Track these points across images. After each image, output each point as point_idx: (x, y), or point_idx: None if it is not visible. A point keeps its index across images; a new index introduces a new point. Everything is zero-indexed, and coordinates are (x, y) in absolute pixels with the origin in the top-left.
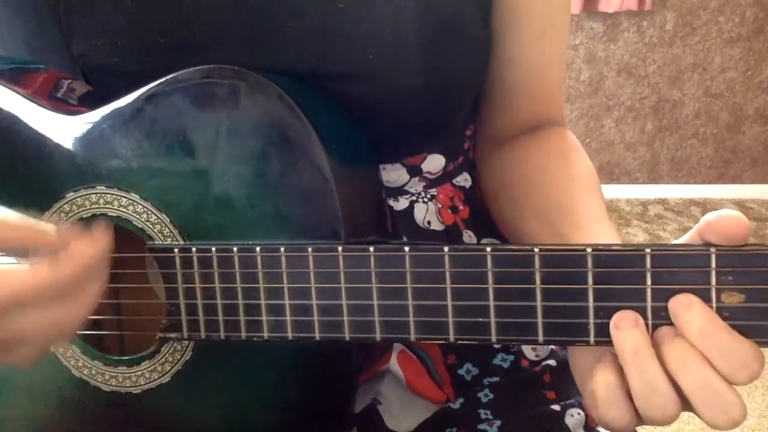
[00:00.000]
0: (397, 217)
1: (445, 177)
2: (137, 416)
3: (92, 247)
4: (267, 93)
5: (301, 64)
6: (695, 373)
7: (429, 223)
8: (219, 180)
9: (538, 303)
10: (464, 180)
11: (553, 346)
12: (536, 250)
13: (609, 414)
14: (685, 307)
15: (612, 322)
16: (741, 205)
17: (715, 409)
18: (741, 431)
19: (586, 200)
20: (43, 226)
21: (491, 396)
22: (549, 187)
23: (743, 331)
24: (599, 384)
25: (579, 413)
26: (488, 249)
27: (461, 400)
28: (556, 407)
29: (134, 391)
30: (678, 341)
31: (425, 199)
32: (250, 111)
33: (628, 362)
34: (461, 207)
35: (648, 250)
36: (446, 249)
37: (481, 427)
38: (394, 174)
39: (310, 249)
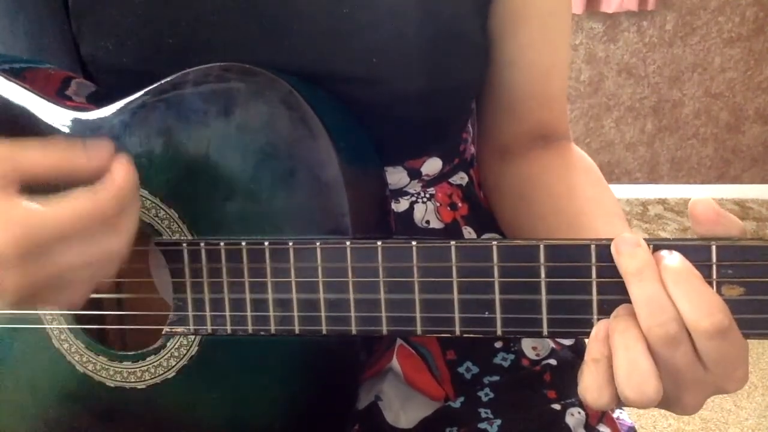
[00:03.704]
0: (397, 219)
1: (441, 177)
2: (142, 411)
3: (126, 174)
4: (277, 90)
5: (306, 66)
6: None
7: (428, 222)
8: (228, 176)
9: (543, 296)
10: (460, 178)
11: (553, 346)
12: (541, 244)
13: (588, 395)
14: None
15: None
16: (741, 205)
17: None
18: (741, 431)
19: (615, 225)
20: (73, 151)
21: (491, 395)
22: (579, 208)
23: (743, 324)
24: (586, 363)
25: (579, 412)
26: (494, 243)
27: (461, 398)
28: (556, 406)
29: (139, 387)
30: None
31: (424, 199)
32: (260, 108)
33: (615, 342)
34: (460, 204)
35: (650, 245)
36: (453, 243)
37: (482, 426)
38: (395, 176)
39: (318, 243)
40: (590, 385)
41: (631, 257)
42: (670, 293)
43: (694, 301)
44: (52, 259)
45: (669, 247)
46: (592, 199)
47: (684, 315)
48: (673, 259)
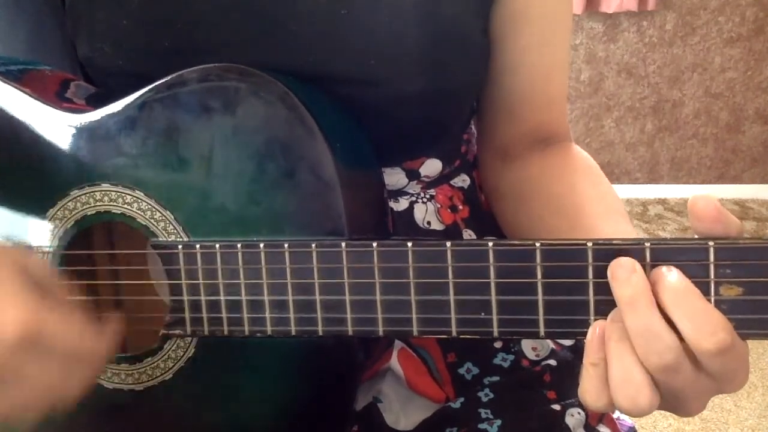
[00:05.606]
0: (397, 218)
1: (442, 179)
2: (139, 413)
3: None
4: (273, 92)
5: (303, 67)
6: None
7: (429, 223)
8: (224, 177)
9: (540, 297)
10: (462, 181)
11: (553, 346)
12: (537, 244)
13: (588, 397)
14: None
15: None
16: (741, 205)
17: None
18: (741, 431)
19: (618, 224)
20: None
21: (491, 395)
22: (580, 207)
23: (742, 324)
24: (584, 366)
25: (579, 413)
26: (490, 244)
27: (461, 399)
28: (556, 407)
29: (136, 389)
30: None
31: (424, 200)
32: (255, 109)
33: (610, 350)
34: (461, 206)
35: (647, 244)
36: (449, 244)
37: (482, 426)
38: (393, 177)
39: (313, 245)
40: (589, 388)
41: (626, 284)
42: (670, 314)
43: (695, 322)
44: (25, 368)
45: (667, 249)
46: (593, 198)
47: (686, 335)
48: (671, 278)
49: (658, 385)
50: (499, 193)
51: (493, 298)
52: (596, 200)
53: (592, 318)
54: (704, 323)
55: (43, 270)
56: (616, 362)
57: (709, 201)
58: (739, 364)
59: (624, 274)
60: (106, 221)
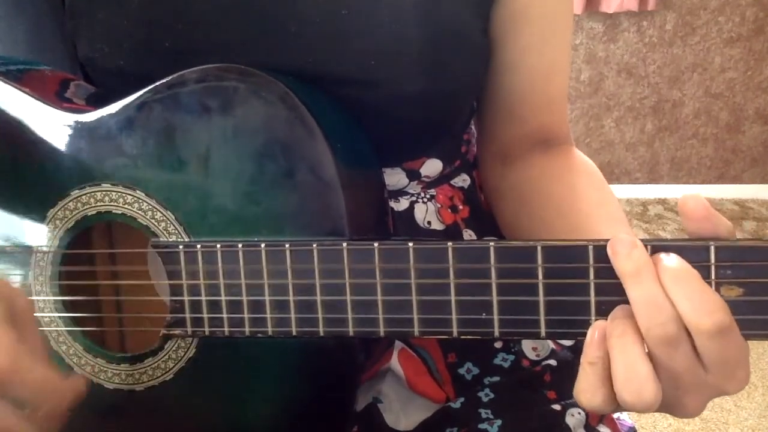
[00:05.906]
0: (397, 218)
1: (442, 179)
2: (140, 414)
3: None
4: (273, 92)
5: (304, 68)
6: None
7: (429, 223)
8: (224, 177)
9: (541, 298)
10: (462, 181)
11: (553, 346)
12: (539, 245)
13: (582, 397)
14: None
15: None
16: (741, 205)
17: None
18: (741, 431)
19: (619, 230)
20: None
21: (492, 395)
22: (581, 209)
23: (742, 325)
24: (581, 366)
25: (579, 413)
26: (491, 244)
27: (462, 399)
28: (556, 407)
29: (137, 389)
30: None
31: (425, 200)
32: (256, 109)
33: (613, 346)
34: (461, 206)
35: (649, 245)
36: (450, 244)
37: (482, 426)
38: (393, 177)
39: (314, 245)
40: (586, 387)
41: (627, 258)
42: (669, 294)
43: (694, 301)
44: None
45: (667, 248)
46: (594, 202)
47: (684, 315)
48: (670, 260)
49: (658, 368)
50: (500, 194)
51: (495, 298)
52: (597, 205)
53: (593, 318)
54: (703, 303)
55: (23, 306)
56: (619, 357)
57: (698, 200)
58: (737, 354)
59: (625, 249)
60: (107, 221)
